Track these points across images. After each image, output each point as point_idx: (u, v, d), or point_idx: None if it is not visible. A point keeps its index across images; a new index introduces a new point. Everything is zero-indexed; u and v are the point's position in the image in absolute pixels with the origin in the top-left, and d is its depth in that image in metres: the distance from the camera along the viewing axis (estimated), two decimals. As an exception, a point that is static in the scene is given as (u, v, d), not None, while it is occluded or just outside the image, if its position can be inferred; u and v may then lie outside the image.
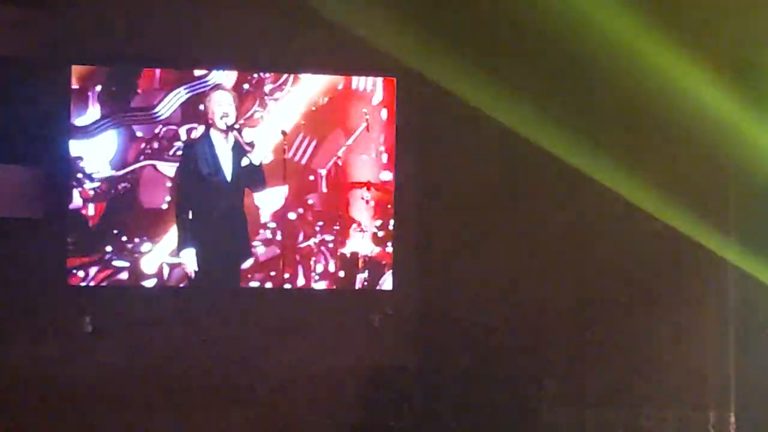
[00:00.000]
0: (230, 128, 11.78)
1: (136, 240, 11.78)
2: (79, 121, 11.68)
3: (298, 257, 12.08)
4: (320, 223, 12.11)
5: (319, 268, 12.10)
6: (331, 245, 12.13)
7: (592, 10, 11.45)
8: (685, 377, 12.29)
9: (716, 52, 11.98)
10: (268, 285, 12.00)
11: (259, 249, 11.97)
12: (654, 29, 11.63)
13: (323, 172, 12.15)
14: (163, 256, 11.81)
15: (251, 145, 11.82)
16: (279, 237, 12.03)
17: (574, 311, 12.29)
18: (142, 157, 11.82)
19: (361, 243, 12.21)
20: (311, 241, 12.09)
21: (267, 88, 11.98)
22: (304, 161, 12.07)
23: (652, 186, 11.96)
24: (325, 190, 12.14)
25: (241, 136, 11.81)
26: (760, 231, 12.14)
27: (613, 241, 12.31)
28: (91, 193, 11.72)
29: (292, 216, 12.05)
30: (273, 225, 12.00)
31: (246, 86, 11.95)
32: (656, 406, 12.28)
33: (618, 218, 12.26)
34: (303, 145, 12.02)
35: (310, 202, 12.10)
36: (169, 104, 11.87)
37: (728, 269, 12.39)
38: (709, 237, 12.09)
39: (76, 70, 11.70)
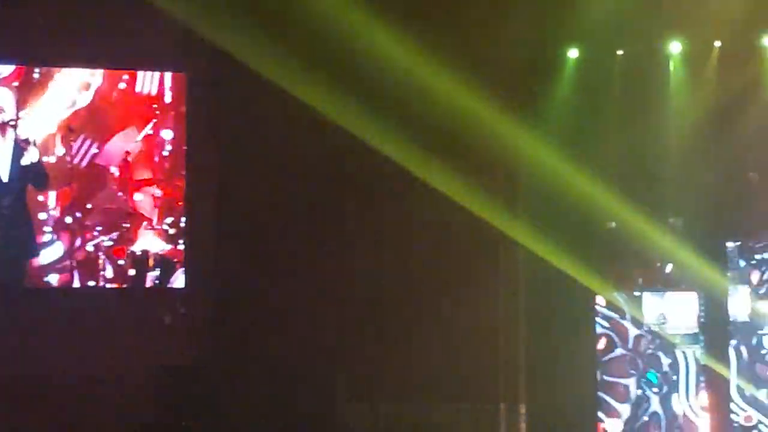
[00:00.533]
0: (6, 125, 11.49)
1: None
2: None
3: (85, 256, 11.87)
4: (108, 222, 11.93)
5: (108, 267, 11.92)
6: (119, 244, 11.95)
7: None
8: (476, 370, 12.41)
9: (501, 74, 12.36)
10: (55, 285, 11.76)
11: (45, 248, 11.72)
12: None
13: (113, 169, 11.97)
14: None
15: (30, 142, 11.56)
16: (66, 236, 11.80)
17: (368, 306, 12.32)
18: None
19: (151, 241, 12.06)
20: (99, 240, 11.90)
21: (52, 83, 11.75)
22: (89, 160, 11.87)
23: (449, 177, 12.09)
24: (114, 187, 11.97)
25: (20, 133, 11.54)
26: (547, 222, 12.39)
27: (408, 237, 12.40)
28: None
29: (78, 215, 11.84)
30: (60, 224, 11.77)
31: (31, 79, 11.69)
32: (449, 400, 12.40)
33: (414, 214, 12.37)
34: (87, 143, 11.81)
35: (96, 201, 11.90)
36: (-46, 99, 11.60)
37: (519, 268, 12.66)
38: (498, 236, 12.35)
39: None
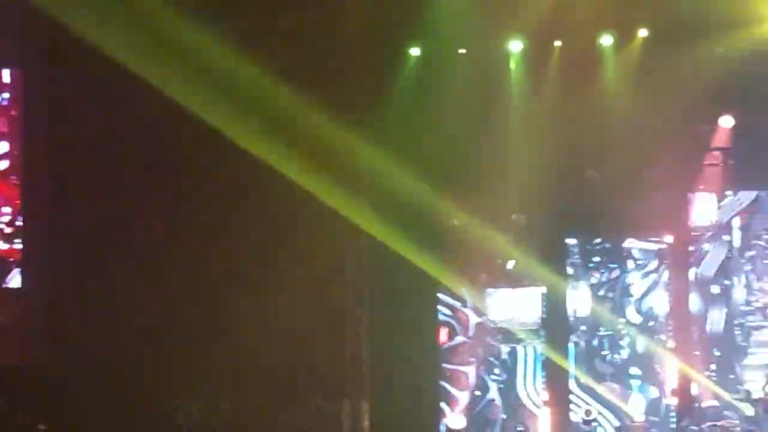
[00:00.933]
0: None
1: None
2: None
3: None
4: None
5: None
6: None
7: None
8: (319, 368, 12.40)
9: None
10: None
11: None
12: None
13: (-53, 168, 11.76)
14: None
15: None
16: None
17: (207, 304, 12.22)
18: None
19: (-13, 240, 11.86)
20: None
21: None
22: None
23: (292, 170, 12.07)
24: (-57, 185, 11.75)
25: None
26: (391, 218, 12.42)
27: (247, 232, 12.33)
28: None
29: None
30: None
31: None
32: (291, 398, 12.36)
33: (253, 209, 12.31)
34: None
35: None
36: None
37: (363, 266, 12.69)
38: (341, 231, 12.39)
39: None
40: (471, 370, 13.04)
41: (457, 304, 13.13)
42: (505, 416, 13.00)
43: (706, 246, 13.61)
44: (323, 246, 12.48)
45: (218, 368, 12.17)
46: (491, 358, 13.09)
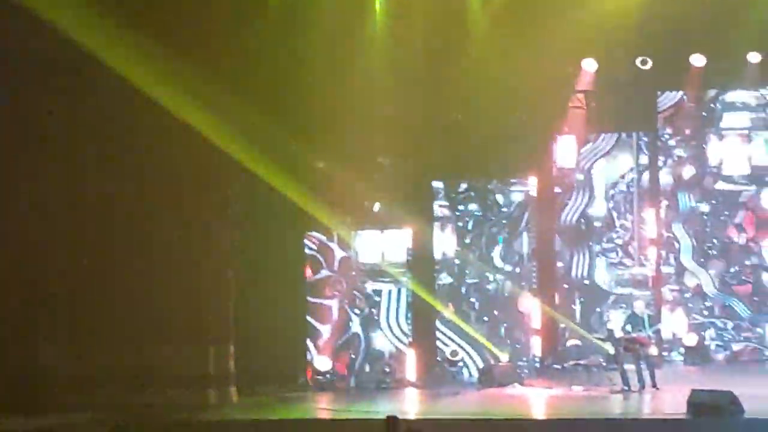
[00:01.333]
0: None
1: None
2: None
3: None
4: None
5: None
6: None
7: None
8: (186, 313, 12.12)
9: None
10: None
11: None
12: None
13: None
14: None
15: None
16: None
17: (73, 245, 11.92)
18: None
19: None
20: None
21: None
22: None
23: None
24: None
25: None
26: (256, 159, 12.31)
27: (117, 173, 12.09)
28: None
29: None
30: None
31: None
32: (157, 342, 12.10)
33: (119, 152, 12.09)
34: None
35: None
36: None
37: (228, 210, 12.57)
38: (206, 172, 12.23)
39: None
40: (335, 304, 13.03)
41: (323, 239, 13.10)
42: (364, 349, 13.02)
43: (569, 188, 13.84)
44: (188, 188, 12.28)
45: (87, 312, 11.91)
46: (356, 293, 13.11)
